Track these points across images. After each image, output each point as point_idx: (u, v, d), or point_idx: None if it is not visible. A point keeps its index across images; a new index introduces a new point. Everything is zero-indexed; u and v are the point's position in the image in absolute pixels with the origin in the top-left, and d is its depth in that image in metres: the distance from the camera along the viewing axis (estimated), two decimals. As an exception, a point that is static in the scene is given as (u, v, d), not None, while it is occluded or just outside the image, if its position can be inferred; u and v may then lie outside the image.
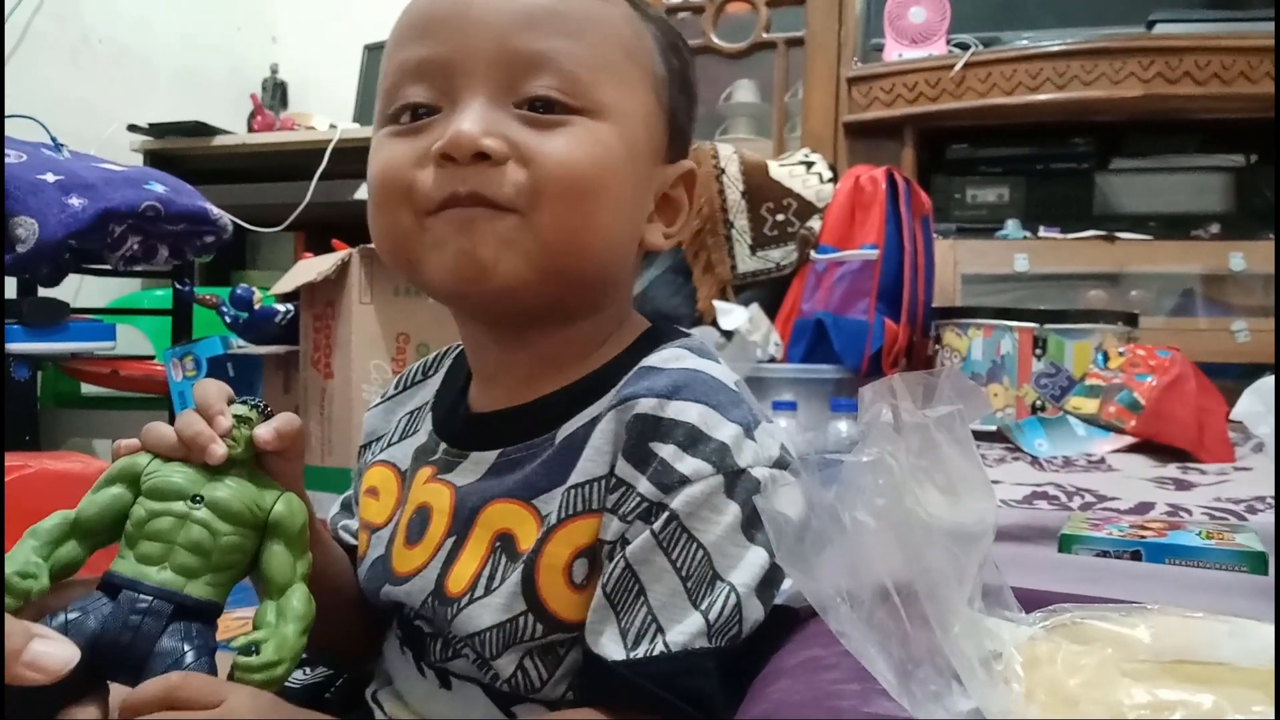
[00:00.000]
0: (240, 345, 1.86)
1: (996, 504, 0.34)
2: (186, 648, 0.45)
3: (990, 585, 0.36)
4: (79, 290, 2.24)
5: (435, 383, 0.62)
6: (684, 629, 0.46)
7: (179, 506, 0.47)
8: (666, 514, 0.46)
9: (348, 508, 0.65)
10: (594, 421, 0.51)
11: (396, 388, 0.64)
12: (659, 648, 0.46)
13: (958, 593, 0.32)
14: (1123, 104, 2.22)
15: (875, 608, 0.31)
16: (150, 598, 0.45)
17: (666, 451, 0.47)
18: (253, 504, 0.48)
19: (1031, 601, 0.38)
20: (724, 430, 0.48)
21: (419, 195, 0.50)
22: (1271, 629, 0.34)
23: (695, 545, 0.47)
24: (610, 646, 0.46)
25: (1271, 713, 0.29)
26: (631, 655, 0.46)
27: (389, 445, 0.61)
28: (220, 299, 1.76)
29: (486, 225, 0.48)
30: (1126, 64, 2.19)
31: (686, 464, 0.47)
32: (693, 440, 0.47)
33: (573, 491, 0.49)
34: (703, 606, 0.46)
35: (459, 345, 0.61)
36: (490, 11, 0.50)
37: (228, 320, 1.77)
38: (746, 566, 0.47)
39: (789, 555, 0.33)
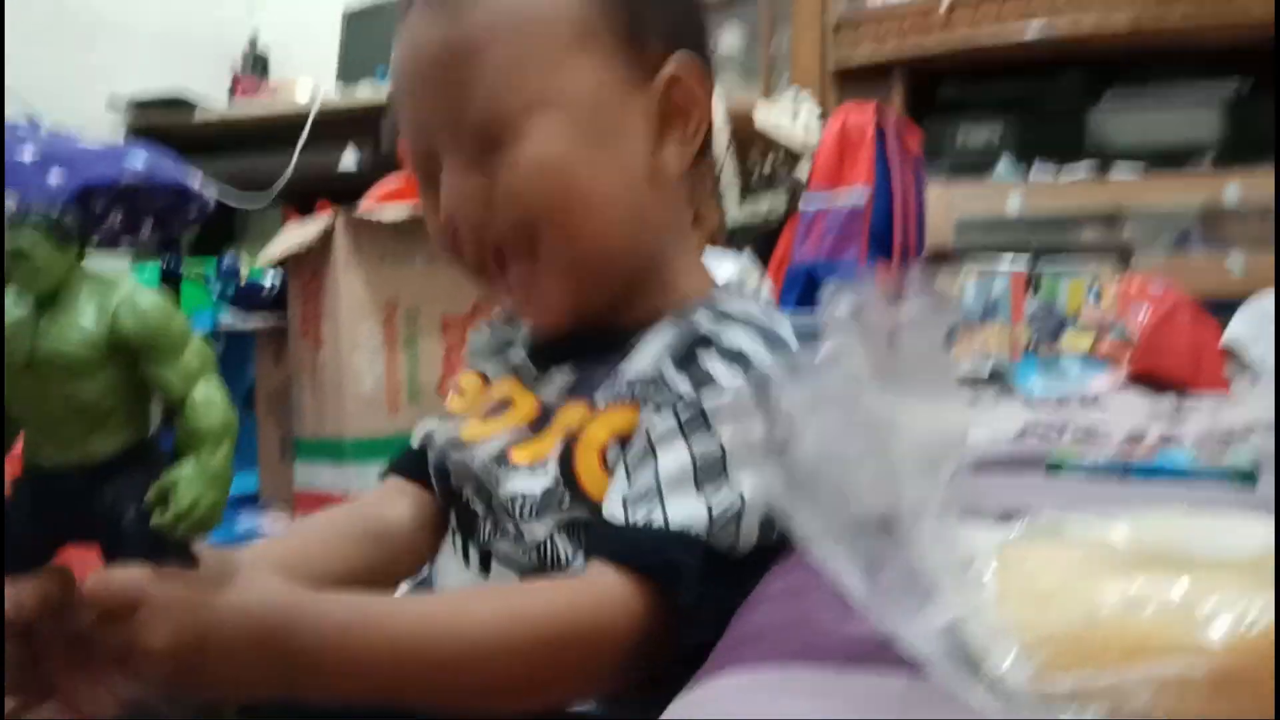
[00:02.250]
0: (230, 319, 1.84)
1: (968, 409, 0.33)
2: (118, 510, 0.40)
3: (964, 495, 0.35)
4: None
5: None
6: (684, 509, 0.48)
7: (26, 381, 0.41)
8: (696, 407, 0.51)
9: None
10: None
11: (504, 321, 0.68)
12: (657, 519, 0.49)
13: (929, 499, 0.31)
14: (1115, 36, 2.19)
15: (838, 516, 0.30)
16: (57, 477, 0.41)
17: (711, 363, 0.52)
18: (86, 343, 0.41)
19: (1013, 515, 0.37)
20: (770, 365, 0.52)
21: (452, 247, 0.57)
22: (1269, 526, 0.33)
23: (715, 441, 0.50)
24: (616, 510, 0.50)
25: (1270, 597, 0.27)
26: (631, 520, 0.49)
27: (483, 361, 0.66)
28: (206, 274, 1.75)
29: (523, 285, 0.56)
30: (1118, -10, 2.15)
31: (725, 376, 0.52)
32: (738, 360, 0.52)
33: (621, 383, 0.54)
34: (707, 496, 0.49)
35: None
36: (421, 85, 0.55)
37: (216, 293, 1.75)
38: (759, 485, 0.48)
39: (755, 465, 0.32)
